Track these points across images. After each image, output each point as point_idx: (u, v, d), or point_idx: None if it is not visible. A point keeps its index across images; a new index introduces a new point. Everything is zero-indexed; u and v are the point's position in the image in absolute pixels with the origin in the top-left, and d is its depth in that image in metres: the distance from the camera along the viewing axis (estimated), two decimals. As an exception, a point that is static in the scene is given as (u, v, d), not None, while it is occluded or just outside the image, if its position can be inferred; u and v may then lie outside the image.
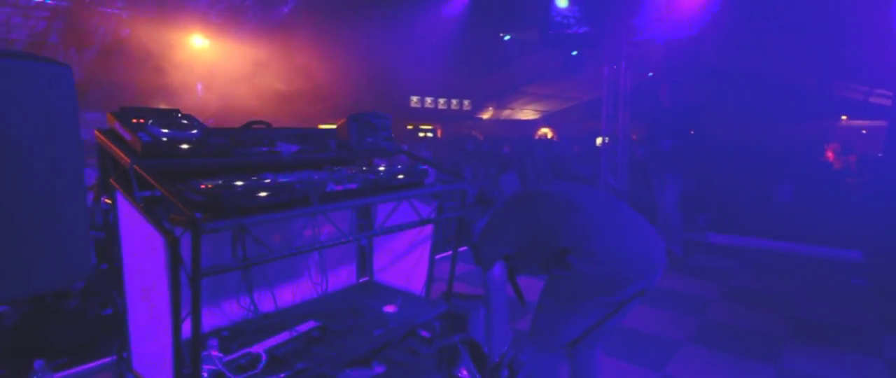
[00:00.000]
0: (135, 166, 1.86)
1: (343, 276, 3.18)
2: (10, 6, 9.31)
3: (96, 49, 10.33)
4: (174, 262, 1.70)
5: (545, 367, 2.14)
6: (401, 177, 2.42)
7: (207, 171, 2.08)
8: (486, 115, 21.24)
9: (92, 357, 3.08)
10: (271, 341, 2.25)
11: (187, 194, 1.80)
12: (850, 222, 5.65)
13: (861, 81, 10.48)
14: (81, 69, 10.18)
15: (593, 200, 2.17)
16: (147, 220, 1.82)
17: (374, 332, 2.49)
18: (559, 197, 2.19)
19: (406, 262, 3.09)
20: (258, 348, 2.15)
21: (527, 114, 23.21)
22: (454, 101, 18.88)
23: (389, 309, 2.71)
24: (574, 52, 8.94)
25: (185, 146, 2.05)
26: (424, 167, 2.62)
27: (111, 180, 2.02)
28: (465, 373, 2.57)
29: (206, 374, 1.95)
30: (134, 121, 2.06)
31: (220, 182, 1.84)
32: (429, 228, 2.92)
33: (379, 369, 2.45)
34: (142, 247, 1.96)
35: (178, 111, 2.29)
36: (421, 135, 17.75)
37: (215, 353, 2.04)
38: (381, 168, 2.41)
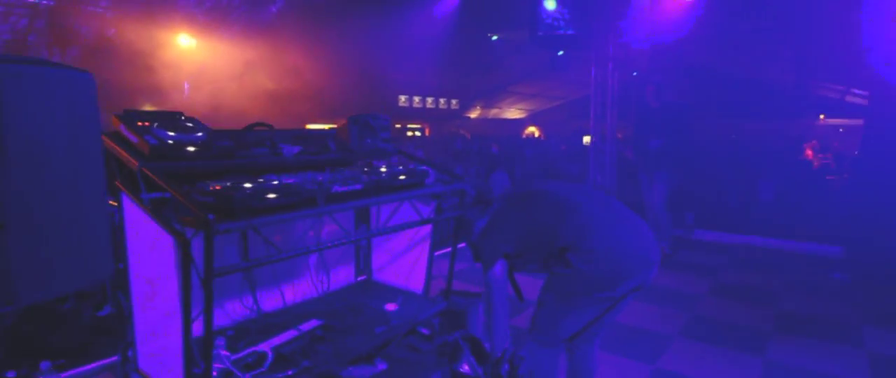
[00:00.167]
0: (143, 169, 1.88)
1: (342, 276, 3.22)
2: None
3: (81, 48, 10.17)
4: (185, 262, 1.74)
5: (545, 361, 2.21)
6: (402, 177, 2.47)
7: (212, 173, 2.11)
8: (473, 115, 21.32)
9: (89, 359, 3.08)
10: (276, 340, 2.29)
11: (196, 196, 1.83)
12: (830, 219, 5.84)
13: (837, 81, 10.76)
14: (65, 69, 10.03)
15: (590, 200, 2.25)
16: (156, 221, 1.84)
17: (375, 330, 2.54)
18: (557, 196, 2.25)
19: (405, 260, 3.14)
20: (264, 347, 2.19)
21: (514, 113, 23.35)
22: (442, 101, 18.92)
23: (391, 307, 2.76)
24: (560, 52, 9.06)
25: (190, 149, 2.08)
26: (424, 168, 2.67)
27: (116, 182, 2.04)
28: (466, 368, 2.63)
29: (215, 373, 1.98)
30: (139, 124, 2.08)
31: (228, 184, 1.87)
32: (428, 228, 2.97)
33: (381, 366, 2.49)
34: (148, 248, 1.98)
35: (181, 114, 2.31)
36: (409, 134, 17.77)
37: (223, 352, 2.08)
38: (383, 169, 2.45)
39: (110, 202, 2.17)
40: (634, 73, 8.49)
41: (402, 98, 17.25)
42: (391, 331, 2.59)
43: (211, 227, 1.62)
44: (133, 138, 2.01)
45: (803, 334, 3.58)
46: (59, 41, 10.17)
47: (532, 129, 23.23)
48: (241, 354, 2.13)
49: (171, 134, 2.07)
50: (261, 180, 1.99)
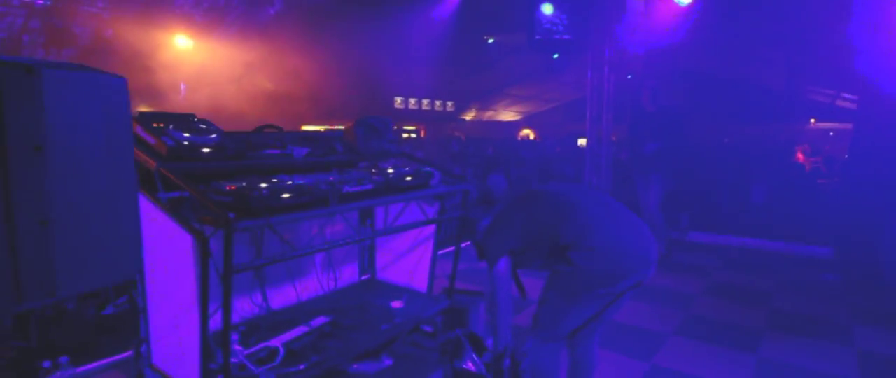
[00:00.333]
0: (161, 169, 1.94)
1: (347, 275, 3.29)
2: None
3: (78, 49, 10.15)
4: (204, 259, 1.80)
5: (547, 356, 2.28)
6: (408, 178, 2.54)
7: (226, 174, 2.17)
8: (469, 116, 21.42)
9: (95, 357, 3.12)
10: (287, 336, 2.35)
11: (214, 195, 1.90)
12: (821, 221, 5.96)
13: (828, 86, 10.94)
14: (62, 70, 10.02)
15: (591, 200, 2.33)
16: (174, 220, 1.91)
17: (381, 327, 2.61)
18: (559, 196, 2.34)
19: (408, 260, 3.21)
20: (275, 342, 2.25)
21: (509, 115, 23.48)
22: (438, 103, 18.99)
23: (396, 305, 2.83)
24: (555, 56, 9.18)
25: (205, 150, 2.15)
26: (429, 169, 2.75)
27: (133, 182, 2.10)
28: (469, 364, 2.71)
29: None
30: (155, 125, 2.14)
31: (244, 184, 1.94)
32: (431, 228, 3.05)
33: (387, 362, 2.56)
34: (163, 246, 2.04)
35: (193, 116, 2.38)
36: (405, 136, 17.83)
37: (236, 346, 2.14)
38: (390, 170, 2.52)
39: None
40: (628, 77, 8.61)
41: (398, 100, 17.32)
42: (396, 328, 2.65)
43: (231, 224, 1.69)
44: (150, 139, 2.07)
45: (795, 333, 3.68)
46: (55, 41, 10.16)
47: (527, 132, 23.37)
48: (253, 349, 2.19)
49: (187, 135, 2.13)
50: (274, 180, 2.05)
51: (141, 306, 2.24)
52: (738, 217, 7.08)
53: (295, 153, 2.55)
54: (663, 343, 3.48)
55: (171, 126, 2.15)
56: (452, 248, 3.10)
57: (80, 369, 2.99)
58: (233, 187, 1.91)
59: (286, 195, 1.92)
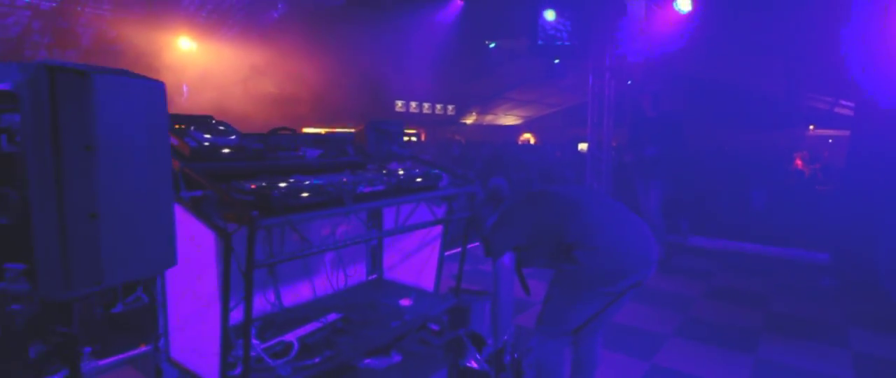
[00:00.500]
0: (185, 169, 2.03)
1: (355, 274, 3.36)
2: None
3: (81, 50, 10.23)
4: (227, 255, 1.88)
5: (552, 351, 2.37)
6: (419, 180, 2.63)
7: (245, 174, 2.26)
8: (469, 120, 21.52)
9: (107, 354, 3.19)
10: (300, 331, 2.43)
11: (235, 194, 1.98)
12: (819, 227, 6.05)
13: (827, 93, 11.05)
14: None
15: (594, 200, 2.43)
16: (197, 217, 1.99)
17: (391, 324, 2.69)
18: (564, 197, 2.43)
19: (415, 260, 3.29)
20: (290, 337, 2.33)
21: (509, 119, 23.58)
22: (438, 106, 19.07)
23: (405, 302, 2.91)
24: (556, 60, 9.29)
25: (226, 150, 2.23)
26: (437, 171, 2.83)
27: (155, 181, 2.18)
28: (472, 363, 2.79)
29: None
30: (176, 127, 2.22)
31: (263, 183, 2.02)
32: (438, 228, 3.13)
33: (396, 358, 2.64)
34: (185, 243, 2.12)
35: (211, 117, 2.46)
36: (405, 139, 17.88)
37: (254, 341, 2.21)
38: (401, 172, 2.61)
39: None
40: (629, 82, 8.72)
41: (399, 103, 17.39)
42: (405, 325, 2.73)
43: (254, 222, 1.77)
44: (173, 140, 2.14)
45: (792, 335, 3.76)
46: (58, 42, 10.24)
47: (527, 136, 23.47)
48: (269, 343, 2.27)
49: (208, 137, 2.22)
50: (292, 180, 2.14)
51: (160, 301, 2.32)
52: (738, 222, 7.17)
53: (308, 154, 2.63)
54: (663, 343, 3.56)
55: (192, 127, 2.23)
56: (457, 249, 3.18)
57: (93, 364, 3.07)
58: (253, 186, 1.99)
59: (305, 194, 2.01)
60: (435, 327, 3.04)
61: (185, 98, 10.73)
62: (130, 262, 1.29)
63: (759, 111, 9.48)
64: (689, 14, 6.16)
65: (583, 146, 11.33)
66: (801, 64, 8.65)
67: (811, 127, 15.34)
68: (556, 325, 2.34)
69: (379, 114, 14.12)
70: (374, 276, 3.50)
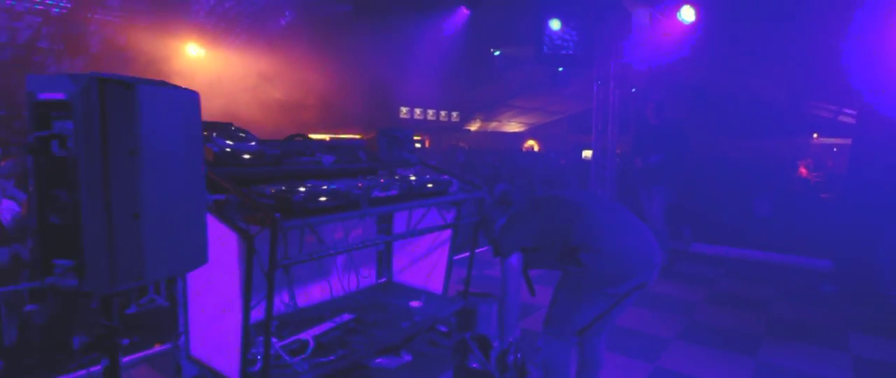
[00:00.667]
0: (209, 173, 2.12)
1: (365, 277, 3.46)
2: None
3: (90, 57, 10.38)
4: (249, 256, 1.98)
5: (558, 351, 2.44)
6: (430, 185, 2.72)
7: (263, 178, 2.36)
8: (473, 127, 21.65)
9: (122, 353, 3.27)
10: (315, 330, 2.52)
11: (256, 198, 2.08)
12: (821, 234, 6.11)
13: (830, 101, 11.12)
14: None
15: (599, 205, 2.52)
16: (220, 220, 2.09)
17: (402, 325, 2.77)
18: (571, 201, 2.52)
19: (424, 263, 3.38)
20: (306, 335, 2.42)
21: (513, 126, 23.71)
22: (443, 113, 19.20)
23: (415, 304, 2.99)
24: (560, 69, 9.40)
25: (246, 156, 2.33)
26: (447, 177, 2.93)
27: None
28: (476, 364, 2.87)
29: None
30: (199, 133, 2.33)
31: (283, 188, 2.12)
32: (447, 233, 3.22)
33: (407, 358, 2.72)
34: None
35: (231, 124, 2.57)
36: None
37: (272, 338, 2.30)
38: (412, 177, 2.70)
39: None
40: (633, 90, 8.81)
41: (404, 110, 17.53)
42: (415, 326, 2.82)
43: (277, 224, 1.87)
44: (197, 146, 2.25)
45: (793, 339, 3.82)
46: (69, 49, 10.40)
47: (531, 143, 23.58)
48: (286, 341, 2.36)
49: (229, 143, 2.32)
50: (309, 185, 2.24)
51: (180, 300, 2.41)
52: (741, 229, 7.23)
53: (324, 160, 2.73)
54: (666, 347, 3.63)
55: (214, 134, 2.34)
56: (465, 253, 3.27)
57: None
58: (274, 190, 2.09)
59: (323, 198, 2.10)
60: (444, 329, 3.13)
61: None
62: (169, 259, 1.39)
63: (762, 119, 9.55)
64: (693, 24, 6.26)
65: (587, 153, 11.43)
66: (803, 73, 8.73)
67: (815, 135, 15.39)
68: (563, 326, 2.42)
69: (384, 120, 14.25)
70: (384, 279, 3.59)
